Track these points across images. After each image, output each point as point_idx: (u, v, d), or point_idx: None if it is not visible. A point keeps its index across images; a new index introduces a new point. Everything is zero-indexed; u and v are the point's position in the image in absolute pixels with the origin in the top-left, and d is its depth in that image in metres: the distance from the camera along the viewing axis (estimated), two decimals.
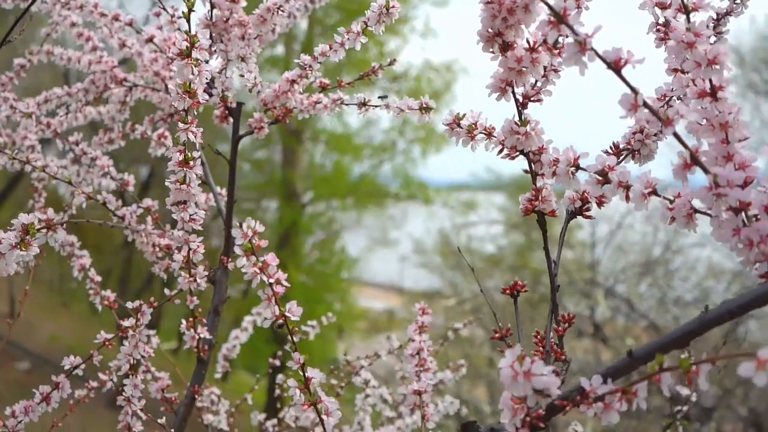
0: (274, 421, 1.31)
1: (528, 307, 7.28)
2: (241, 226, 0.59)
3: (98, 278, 1.07)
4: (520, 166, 0.65)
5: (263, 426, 1.31)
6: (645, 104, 0.49)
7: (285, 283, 0.61)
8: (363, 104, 0.92)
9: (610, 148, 0.67)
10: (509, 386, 0.49)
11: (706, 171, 0.49)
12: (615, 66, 0.49)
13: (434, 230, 9.75)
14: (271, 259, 0.61)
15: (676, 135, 0.49)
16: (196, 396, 0.96)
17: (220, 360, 1.35)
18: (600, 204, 0.65)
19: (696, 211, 0.53)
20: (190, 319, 0.93)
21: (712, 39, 0.70)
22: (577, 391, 0.51)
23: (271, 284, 0.60)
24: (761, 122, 8.65)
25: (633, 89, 0.49)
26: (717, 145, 0.52)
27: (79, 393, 1.10)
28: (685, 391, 1.09)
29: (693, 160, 0.50)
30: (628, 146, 0.66)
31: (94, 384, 1.02)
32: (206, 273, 0.88)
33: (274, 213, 11.46)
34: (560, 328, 0.60)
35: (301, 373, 0.63)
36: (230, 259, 0.94)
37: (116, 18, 1.06)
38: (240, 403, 1.29)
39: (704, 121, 0.54)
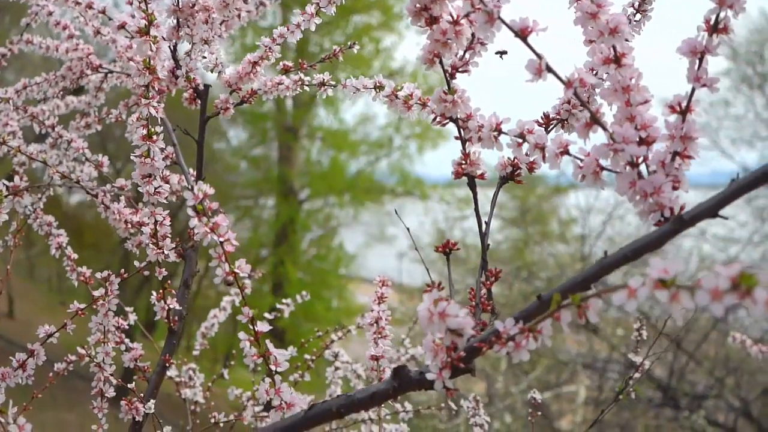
0: (249, 393, 1.36)
1: (521, 299, 7.34)
2: (192, 189, 0.64)
3: (75, 255, 1.12)
4: None
5: (240, 400, 1.36)
6: (548, 68, 0.54)
7: (234, 242, 0.66)
8: (322, 84, 0.97)
9: (541, 117, 0.71)
10: (426, 326, 0.53)
11: (605, 129, 0.54)
12: (521, 34, 0.54)
13: (430, 226, 9.79)
14: (222, 219, 0.66)
15: (576, 95, 0.54)
16: (168, 364, 1.01)
17: (198, 338, 1.40)
18: (531, 170, 0.70)
19: (602, 168, 0.58)
20: (161, 290, 0.97)
21: (638, 17, 0.75)
22: (493, 333, 0.56)
23: (221, 243, 0.65)
24: (755, 115, 8.69)
25: (538, 55, 0.54)
26: (621, 108, 0.57)
27: (58, 366, 1.15)
28: (638, 359, 1.13)
29: (593, 119, 0.55)
30: (558, 116, 0.71)
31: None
32: (174, 245, 0.93)
33: (271, 210, 11.51)
34: (488, 282, 0.65)
35: (251, 327, 0.67)
36: None
37: (90, 6, 1.10)
38: (216, 378, 1.34)
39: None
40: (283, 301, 1.42)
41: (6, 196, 0.68)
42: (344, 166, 11.97)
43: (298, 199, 11.29)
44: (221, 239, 0.65)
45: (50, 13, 1.20)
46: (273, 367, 0.67)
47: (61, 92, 1.19)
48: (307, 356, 1.32)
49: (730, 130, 8.56)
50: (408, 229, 0.93)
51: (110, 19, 1.11)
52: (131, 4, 1.08)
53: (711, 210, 0.50)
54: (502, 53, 0.67)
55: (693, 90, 0.55)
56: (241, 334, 0.67)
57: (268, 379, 0.67)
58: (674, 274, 0.41)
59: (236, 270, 0.66)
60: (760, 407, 5.88)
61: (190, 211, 0.65)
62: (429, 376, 0.57)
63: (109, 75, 1.20)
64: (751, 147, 8.80)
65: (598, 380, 6.40)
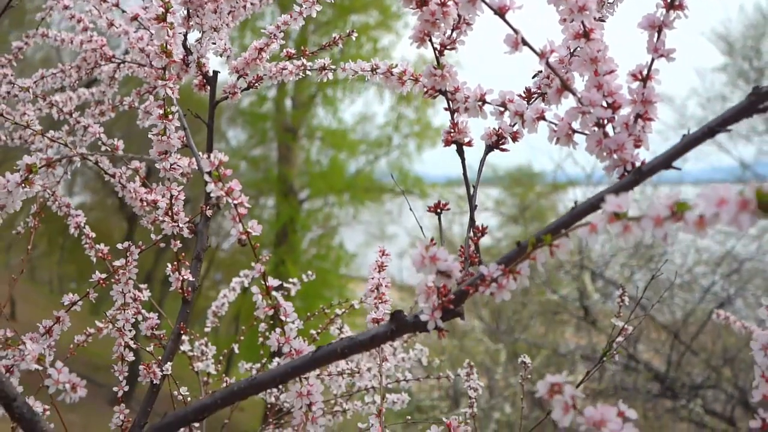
0: (258, 365, 1.43)
1: (519, 294, 7.40)
2: (209, 157, 0.71)
3: (92, 234, 1.19)
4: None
5: (250, 372, 1.43)
6: (524, 42, 0.61)
7: (247, 205, 0.73)
8: (323, 68, 1.04)
9: (523, 91, 0.79)
10: (419, 269, 0.61)
11: (574, 94, 0.62)
12: (500, 11, 0.61)
13: (429, 221, 9.83)
14: (235, 184, 0.73)
15: (548, 65, 0.61)
16: (182, 332, 1.08)
17: (210, 316, 1.47)
18: (514, 139, 0.77)
19: (574, 131, 0.65)
20: (175, 263, 1.05)
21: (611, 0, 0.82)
22: (479, 277, 0.63)
23: (235, 205, 0.72)
24: None
25: (515, 30, 0.62)
26: (590, 77, 0.64)
27: (78, 338, 1.23)
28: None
29: (564, 86, 0.62)
30: (539, 90, 0.78)
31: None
32: (188, 219, 1.00)
33: (271, 210, 11.58)
34: (476, 237, 0.72)
35: (263, 282, 0.75)
36: (210, 208, 1.06)
37: (104, 0, 1.18)
38: (228, 353, 1.42)
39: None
40: (290, 280, 1.49)
41: (40, 168, 0.75)
42: (344, 166, 12.04)
43: (298, 198, 11.36)
44: (235, 202, 0.73)
45: (66, 7, 1.28)
46: (283, 318, 0.74)
47: (76, 82, 1.27)
48: (312, 331, 1.39)
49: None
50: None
51: (123, 11, 1.18)
52: None
53: (665, 162, 0.57)
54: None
55: (652, 60, 0.63)
56: (254, 288, 0.75)
57: (278, 329, 0.74)
58: (626, 209, 0.48)
59: (249, 229, 0.74)
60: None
61: (206, 177, 0.72)
62: (422, 317, 0.64)
63: (121, 65, 1.27)
64: (749, 141, 8.88)
65: (597, 372, 6.47)
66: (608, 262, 6.12)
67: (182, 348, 1.34)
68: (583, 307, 5.95)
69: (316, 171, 11.77)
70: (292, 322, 0.75)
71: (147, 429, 0.70)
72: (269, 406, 1.46)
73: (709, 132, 0.56)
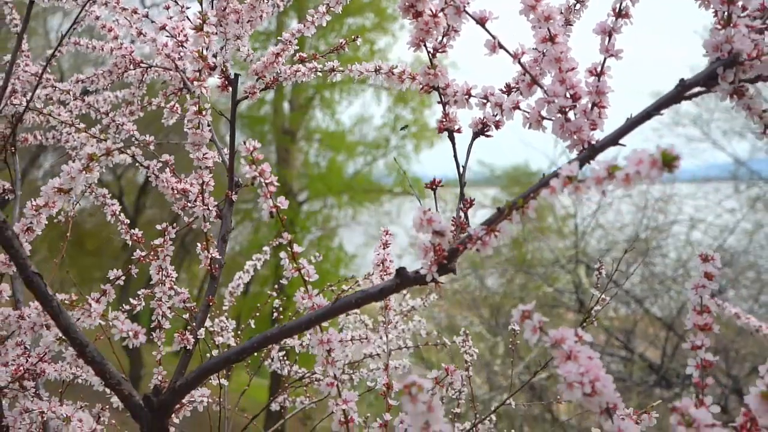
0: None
1: (517, 289, 7.56)
2: (245, 143, 0.86)
3: (127, 221, 1.34)
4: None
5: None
6: (500, 45, 0.76)
7: (275, 183, 0.88)
8: (332, 70, 1.19)
9: (504, 86, 0.94)
10: (418, 229, 0.75)
11: (541, 87, 0.77)
12: (481, 21, 0.76)
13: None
14: (266, 167, 0.88)
15: (520, 63, 0.76)
16: (210, 303, 1.23)
17: (227, 296, 1.62)
18: (497, 126, 0.92)
19: (543, 117, 0.80)
20: (204, 242, 1.19)
21: (577, 6, 0.97)
22: (467, 237, 0.78)
23: (266, 184, 0.87)
24: None
25: (493, 36, 0.77)
26: (555, 74, 0.79)
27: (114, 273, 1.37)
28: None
29: (533, 81, 0.77)
30: (517, 85, 0.93)
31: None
32: (216, 203, 1.15)
33: None
34: (465, 207, 0.87)
35: (290, 250, 0.89)
36: (235, 193, 1.20)
37: (135, 11, 1.33)
38: (245, 327, 1.57)
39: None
40: (311, 255, 1.64)
41: (100, 156, 0.89)
42: (342, 167, 12.18)
43: (297, 200, 11.50)
44: (266, 181, 0.87)
45: (98, 18, 1.42)
46: (306, 278, 0.89)
47: (109, 85, 1.41)
48: None
49: (722, 122, 8.80)
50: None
51: (152, 21, 1.33)
52: (168, 8, 1.31)
53: (613, 140, 0.72)
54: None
55: (604, 59, 0.77)
56: (282, 254, 0.89)
57: (302, 288, 0.89)
58: (576, 174, 0.63)
59: (278, 204, 0.88)
60: (750, 385, 6.11)
61: (243, 161, 0.87)
62: (422, 271, 0.79)
63: (148, 69, 1.42)
64: (743, 138, 9.04)
65: None
66: (603, 256, 6.28)
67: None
68: (578, 300, 6.10)
69: (314, 173, 11.92)
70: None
71: (199, 367, 0.84)
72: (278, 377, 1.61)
73: (646, 115, 0.71)
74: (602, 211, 7.33)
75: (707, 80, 0.69)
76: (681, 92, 0.70)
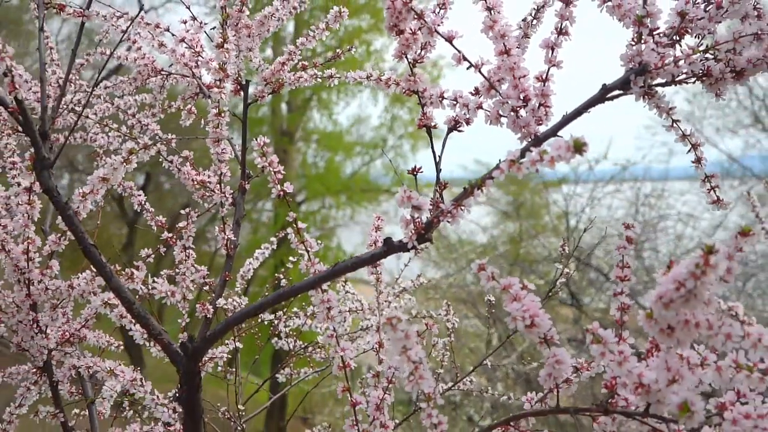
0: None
1: None
2: (257, 139, 1.06)
3: (152, 209, 1.53)
4: None
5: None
6: (464, 58, 0.96)
7: (282, 171, 1.07)
8: (331, 76, 1.38)
9: (473, 89, 1.13)
10: (400, 205, 0.94)
11: (497, 90, 0.96)
12: (449, 39, 0.96)
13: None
14: (275, 158, 1.07)
15: (480, 73, 0.95)
16: (227, 279, 1.42)
17: (239, 279, 1.81)
18: (467, 123, 1.11)
19: (500, 115, 0.99)
20: (221, 225, 1.39)
21: (534, 21, 1.16)
22: (440, 212, 0.97)
23: (275, 172, 1.07)
24: (738, 104, 9.15)
25: (458, 51, 0.96)
26: (510, 80, 0.99)
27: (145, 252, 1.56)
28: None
29: (491, 86, 0.97)
30: (480, 89, 1.12)
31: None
32: (232, 191, 1.34)
33: (269, 213, 11.92)
34: (440, 189, 1.06)
35: (295, 225, 1.09)
36: (247, 183, 1.39)
37: (157, 26, 1.52)
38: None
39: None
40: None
41: (139, 150, 1.08)
42: (340, 168, 12.36)
43: (296, 201, 11.68)
44: (275, 170, 1.07)
45: (123, 31, 1.61)
46: (308, 249, 1.08)
47: (134, 90, 1.61)
48: None
49: (714, 119, 9.01)
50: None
51: (173, 35, 1.52)
52: (185, 23, 1.51)
53: (554, 131, 0.92)
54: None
55: (549, 68, 0.97)
56: (289, 229, 1.09)
57: (306, 255, 1.08)
58: (518, 157, 0.82)
59: (284, 188, 1.08)
60: None
61: (255, 153, 1.06)
62: (404, 239, 0.98)
63: (168, 76, 1.61)
64: (735, 135, 9.25)
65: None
66: (592, 251, 6.48)
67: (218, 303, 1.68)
68: (570, 293, 6.30)
69: (312, 173, 12.10)
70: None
71: (225, 320, 1.03)
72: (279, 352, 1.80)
73: (577, 113, 0.90)
74: (592, 206, 7.53)
75: (623, 85, 0.89)
76: (604, 94, 0.90)
